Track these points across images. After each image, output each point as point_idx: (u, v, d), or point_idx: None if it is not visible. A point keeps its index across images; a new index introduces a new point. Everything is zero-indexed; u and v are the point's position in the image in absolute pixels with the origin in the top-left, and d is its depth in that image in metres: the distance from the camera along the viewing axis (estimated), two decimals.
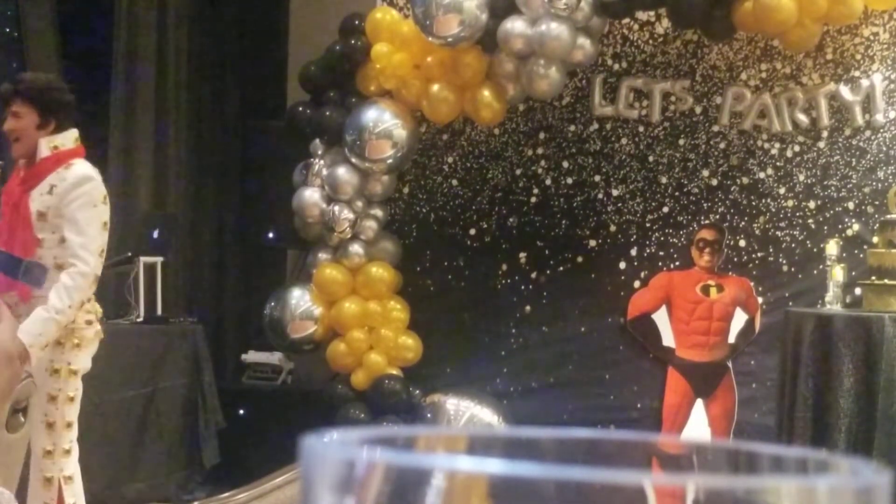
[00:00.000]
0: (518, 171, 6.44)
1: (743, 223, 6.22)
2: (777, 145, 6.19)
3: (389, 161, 5.98)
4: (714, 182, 6.27)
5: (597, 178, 6.38)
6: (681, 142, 6.30)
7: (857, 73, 6.06)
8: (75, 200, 3.76)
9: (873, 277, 4.74)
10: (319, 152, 6.23)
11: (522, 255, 6.42)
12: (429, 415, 6.01)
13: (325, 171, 6.12)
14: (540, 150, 6.43)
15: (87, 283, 3.76)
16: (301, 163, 6.32)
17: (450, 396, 6.14)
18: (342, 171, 6.04)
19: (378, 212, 6.19)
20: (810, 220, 6.13)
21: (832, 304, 5.06)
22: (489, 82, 5.94)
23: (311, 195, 6.14)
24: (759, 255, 6.20)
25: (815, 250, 5.99)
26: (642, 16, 6.22)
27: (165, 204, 6.92)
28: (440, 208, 6.50)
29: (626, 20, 6.21)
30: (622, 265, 6.32)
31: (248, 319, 7.11)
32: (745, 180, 6.22)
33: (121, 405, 5.53)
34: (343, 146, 6.02)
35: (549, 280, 6.38)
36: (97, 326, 3.97)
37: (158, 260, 5.94)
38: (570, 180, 6.39)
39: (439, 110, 6.03)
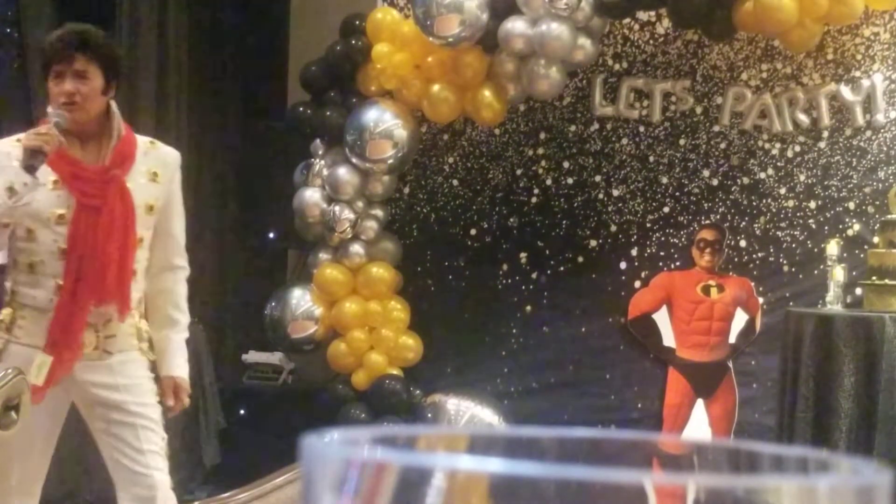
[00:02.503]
0: (519, 172, 6.44)
1: (743, 223, 6.22)
2: (778, 145, 6.19)
3: (390, 161, 5.98)
4: (715, 182, 6.27)
5: (597, 178, 6.38)
6: (681, 142, 6.30)
7: (857, 74, 6.06)
8: (179, 187, 3.19)
9: (874, 277, 4.74)
10: (320, 152, 6.23)
11: (523, 255, 6.42)
12: (429, 415, 6.01)
13: (325, 172, 6.12)
14: (540, 151, 6.43)
15: None
16: (302, 163, 6.32)
17: (450, 396, 6.14)
18: (343, 172, 6.04)
19: (379, 212, 6.19)
20: (811, 221, 6.13)
21: (833, 304, 5.06)
22: (490, 82, 5.94)
23: (311, 195, 6.14)
24: (759, 255, 6.20)
25: (815, 250, 5.99)
26: (643, 16, 6.22)
27: None
28: (441, 208, 6.50)
29: (627, 20, 6.21)
30: (623, 265, 6.32)
31: (249, 319, 7.11)
32: (746, 180, 6.22)
33: None
34: (344, 146, 6.03)
35: (549, 280, 6.38)
36: None
37: None
38: (570, 180, 6.40)
39: (440, 110, 6.03)
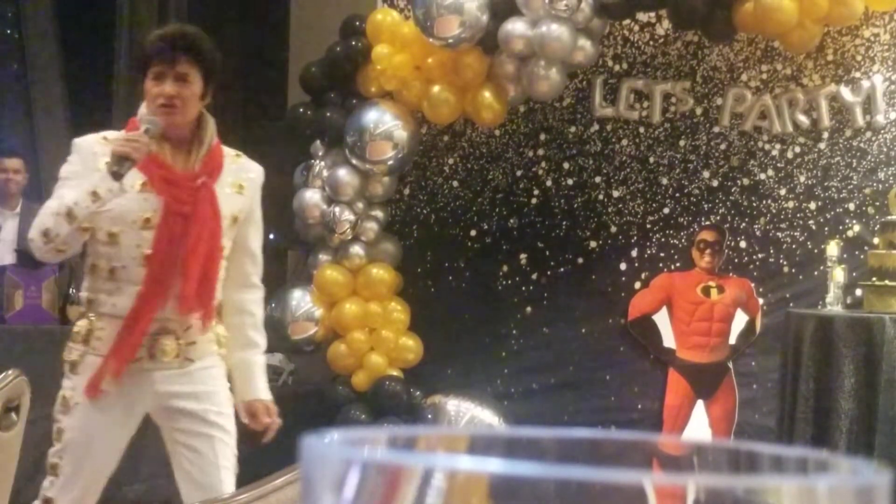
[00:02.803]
0: (519, 173, 6.44)
1: (743, 224, 6.23)
2: (778, 146, 6.19)
3: (390, 162, 5.98)
4: (715, 183, 6.27)
5: (597, 179, 6.38)
6: (681, 143, 6.30)
7: (857, 75, 6.06)
8: (259, 200, 3.08)
9: (874, 278, 4.74)
10: (320, 153, 6.23)
11: (523, 256, 6.42)
12: (429, 416, 6.01)
13: (325, 173, 6.12)
14: (540, 152, 6.43)
15: None
16: (302, 164, 6.32)
17: (450, 397, 6.14)
18: (343, 173, 6.04)
19: (379, 213, 6.19)
20: (811, 222, 6.13)
21: (833, 305, 5.06)
22: (490, 83, 5.94)
23: (311, 196, 6.14)
24: (759, 256, 6.20)
25: (815, 251, 5.99)
26: (643, 17, 6.23)
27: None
28: (441, 209, 6.50)
29: (627, 21, 6.22)
30: (623, 266, 6.32)
31: None
32: (746, 181, 6.23)
33: None
34: (344, 147, 6.02)
35: (549, 281, 6.38)
36: None
37: None
38: (570, 181, 6.40)
39: (440, 111, 6.03)
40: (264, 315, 3.13)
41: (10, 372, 2.60)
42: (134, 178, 2.83)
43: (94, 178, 2.78)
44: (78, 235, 2.84)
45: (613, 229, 6.35)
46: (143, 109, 2.90)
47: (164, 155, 2.92)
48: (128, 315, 2.84)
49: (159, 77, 2.87)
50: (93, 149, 2.89)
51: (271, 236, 7.04)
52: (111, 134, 2.92)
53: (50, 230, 2.81)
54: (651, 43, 6.30)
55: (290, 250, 6.82)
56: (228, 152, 3.03)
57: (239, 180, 3.00)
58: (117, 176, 2.73)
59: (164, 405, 2.97)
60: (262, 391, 3.07)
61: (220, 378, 3.00)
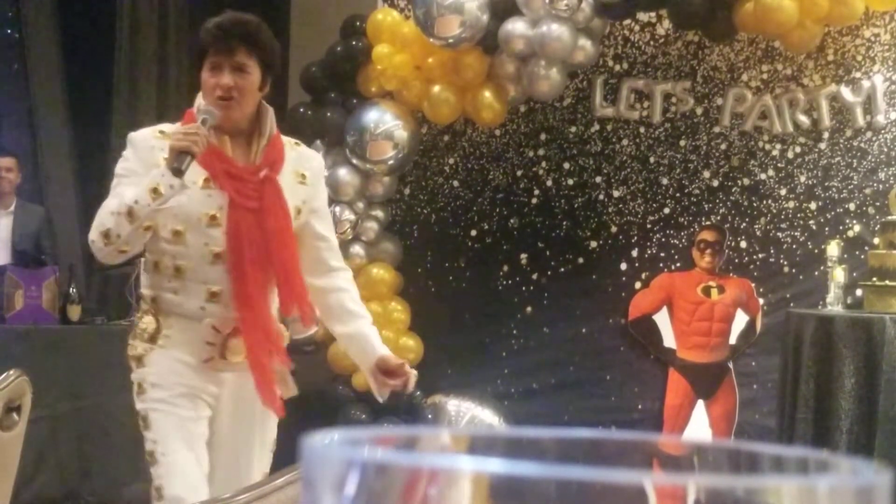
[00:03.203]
0: (519, 173, 6.44)
1: (744, 224, 6.23)
2: (778, 146, 6.19)
3: (390, 162, 5.98)
4: (715, 183, 6.27)
5: (598, 179, 6.38)
6: (682, 143, 6.30)
7: (858, 75, 6.06)
8: (324, 187, 3.02)
9: (874, 279, 4.74)
10: (321, 153, 6.22)
11: (523, 256, 6.42)
12: (430, 416, 6.01)
13: (326, 173, 6.12)
14: (541, 152, 6.43)
15: None
16: None
17: (451, 397, 6.13)
18: (343, 173, 6.04)
19: (379, 213, 6.19)
20: (811, 222, 6.13)
21: (833, 305, 5.06)
22: (490, 83, 5.94)
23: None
24: (760, 256, 6.20)
25: (816, 251, 5.99)
26: (643, 17, 6.22)
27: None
28: (441, 209, 6.50)
29: (627, 21, 6.22)
30: (623, 266, 6.32)
31: None
32: (746, 181, 6.23)
33: (122, 406, 5.51)
34: (344, 147, 6.02)
35: (550, 281, 6.38)
36: None
37: None
38: (570, 181, 6.40)
39: (440, 111, 6.03)
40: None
41: (11, 372, 2.59)
42: (196, 173, 2.72)
43: (153, 175, 2.66)
44: (140, 235, 2.73)
45: (614, 229, 6.35)
46: (199, 100, 2.81)
47: (224, 148, 2.81)
48: (244, 325, 2.76)
49: (216, 68, 2.76)
50: (149, 143, 2.77)
51: None
52: (168, 127, 2.81)
53: (111, 231, 2.71)
54: (651, 43, 6.30)
55: None
56: (287, 142, 2.92)
57: (300, 170, 2.88)
58: (178, 172, 2.62)
59: (228, 407, 2.86)
60: (383, 348, 2.93)
61: (285, 376, 2.94)
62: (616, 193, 6.36)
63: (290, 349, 6.75)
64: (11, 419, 2.58)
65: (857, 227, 6.04)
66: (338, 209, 6.04)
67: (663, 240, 6.31)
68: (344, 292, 2.92)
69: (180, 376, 2.76)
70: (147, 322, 2.81)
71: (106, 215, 2.74)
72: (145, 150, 2.76)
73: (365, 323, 2.93)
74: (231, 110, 2.76)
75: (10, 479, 2.63)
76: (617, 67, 6.33)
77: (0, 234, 6.12)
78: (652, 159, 6.33)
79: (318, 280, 2.89)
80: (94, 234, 2.75)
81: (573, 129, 6.40)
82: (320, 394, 6.16)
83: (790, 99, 6.12)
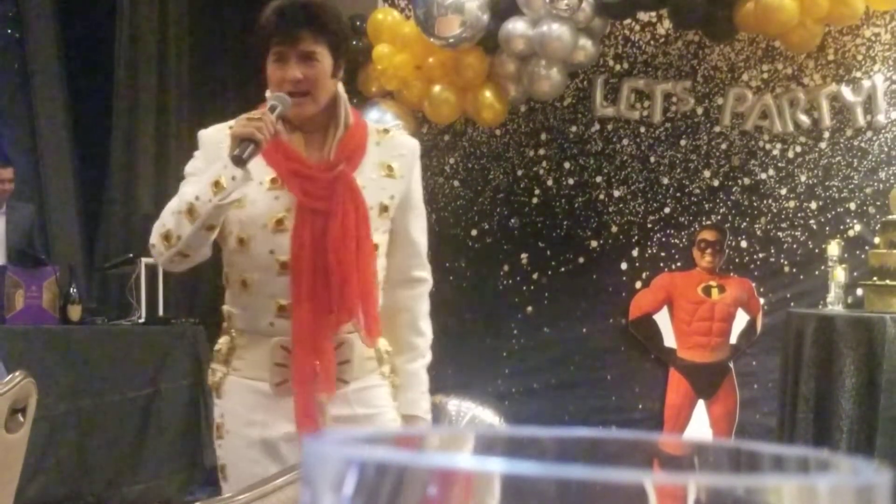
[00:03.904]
0: (519, 172, 6.45)
1: (744, 224, 6.23)
2: (778, 146, 6.19)
3: None
4: (715, 183, 6.27)
5: (598, 178, 6.38)
6: (682, 142, 6.30)
7: (858, 74, 6.06)
8: (419, 182, 2.63)
9: (875, 278, 4.74)
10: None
11: (524, 255, 6.42)
12: (430, 416, 6.01)
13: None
14: (541, 151, 6.43)
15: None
16: None
17: (451, 397, 6.13)
18: None
19: None
20: (812, 221, 6.13)
21: (834, 304, 5.06)
22: (490, 83, 5.94)
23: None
24: (760, 255, 6.20)
25: (816, 251, 5.99)
26: (644, 17, 6.23)
27: (167, 205, 6.92)
28: (442, 209, 6.50)
29: (628, 21, 6.22)
30: (623, 266, 6.32)
31: None
32: (747, 181, 6.23)
33: (122, 406, 5.53)
34: None
35: (550, 281, 6.38)
36: None
37: None
38: (571, 181, 6.40)
39: (441, 111, 6.03)
40: (428, 309, 2.64)
41: (17, 374, 2.59)
42: (262, 172, 2.44)
43: (216, 168, 2.37)
44: (202, 237, 2.41)
45: (614, 229, 6.35)
46: (269, 94, 2.48)
47: (295, 144, 2.50)
48: (294, 338, 2.43)
49: (281, 59, 2.43)
50: (217, 139, 2.49)
51: None
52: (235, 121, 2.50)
53: (171, 232, 2.44)
54: (652, 42, 6.31)
55: None
56: (374, 129, 2.57)
57: (387, 160, 2.52)
58: (239, 161, 2.31)
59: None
60: (411, 404, 2.56)
61: (382, 398, 2.53)
62: (616, 193, 6.36)
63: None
64: (17, 421, 2.57)
65: (857, 227, 6.04)
66: None
67: (664, 239, 6.31)
68: (404, 314, 2.57)
69: (253, 412, 2.47)
70: (222, 342, 2.56)
71: (167, 215, 2.47)
72: (213, 147, 2.49)
73: (409, 360, 2.57)
74: (305, 107, 2.44)
75: (14, 480, 2.63)
76: (617, 67, 6.33)
77: None
78: (652, 159, 6.33)
79: (394, 291, 2.56)
80: (154, 237, 2.49)
81: (574, 128, 6.40)
82: None
83: (791, 98, 6.12)
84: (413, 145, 2.61)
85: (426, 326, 2.60)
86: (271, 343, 2.45)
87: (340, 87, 2.52)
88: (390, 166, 2.52)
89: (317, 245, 2.41)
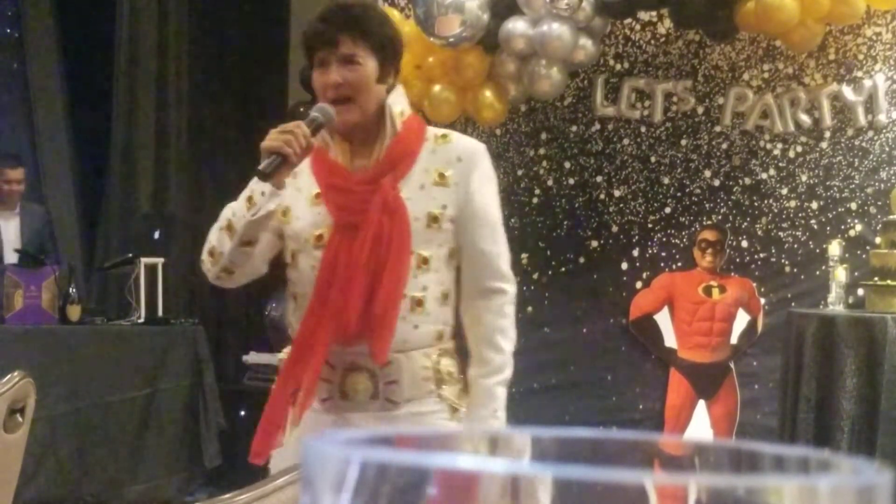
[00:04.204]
0: (520, 172, 6.44)
1: (745, 224, 6.22)
2: (779, 146, 6.19)
3: None
4: (716, 182, 6.27)
5: (598, 178, 6.38)
6: (683, 142, 6.30)
7: (859, 74, 6.06)
8: (482, 189, 2.43)
9: (876, 278, 4.74)
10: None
11: (524, 255, 6.41)
12: None
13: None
14: (542, 151, 6.43)
15: (512, 314, 2.51)
16: None
17: None
18: None
19: None
20: (813, 221, 6.13)
21: (835, 304, 5.06)
22: (490, 83, 5.94)
23: None
24: (761, 255, 6.20)
25: (817, 251, 5.99)
26: (644, 16, 6.22)
27: (166, 205, 6.93)
28: None
29: (628, 20, 6.21)
30: (624, 266, 6.32)
31: (249, 320, 7.12)
32: (748, 181, 6.23)
33: (122, 406, 5.53)
34: None
35: (550, 281, 6.38)
36: None
37: (159, 261, 5.94)
38: (571, 181, 6.40)
39: (440, 111, 6.02)
40: (509, 323, 2.54)
41: (15, 374, 2.59)
42: (311, 186, 2.39)
43: (252, 182, 2.33)
44: (242, 254, 2.37)
45: (615, 229, 6.34)
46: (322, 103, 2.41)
47: (341, 156, 2.41)
48: (294, 341, 2.41)
49: (323, 64, 2.36)
50: None
51: None
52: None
53: (215, 248, 2.40)
54: (652, 42, 6.30)
55: None
56: (431, 135, 2.44)
57: (440, 168, 2.38)
58: (261, 175, 2.24)
59: None
60: (478, 419, 2.43)
61: (438, 423, 2.41)
62: (617, 193, 6.36)
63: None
64: (15, 421, 2.57)
65: (858, 227, 6.04)
66: None
67: (664, 239, 6.31)
68: (479, 327, 2.46)
69: (300, 427, 2.41)
70: (282, 354, 2.54)
71: (213, 231, 2.42)
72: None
73: (480, 373, 2.46)
74: (347, 114, 2.34)
75: (13, 480, 2.63)
76: (618, 67, 6.32)
77: (8, 235, 6.15)
78: (653, 159, 6.33)
79: (468, 304, 2.46)
80: (203, 253, 2.46)
81: (574, 128, 6.40)
82: None
83: (791, 98, 6.12)
84: (471, 150, 2.46)
85: (504, 342, 2.49)
86: None
87: (394, 96, 2.42)
88: (443, 174, 2.39)
89: (341, 260, 2.33)
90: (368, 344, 2.32)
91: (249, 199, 2.31)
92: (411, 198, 2.35)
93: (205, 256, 2.45)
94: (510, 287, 2.50)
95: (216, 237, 2.40)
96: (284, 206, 2.37)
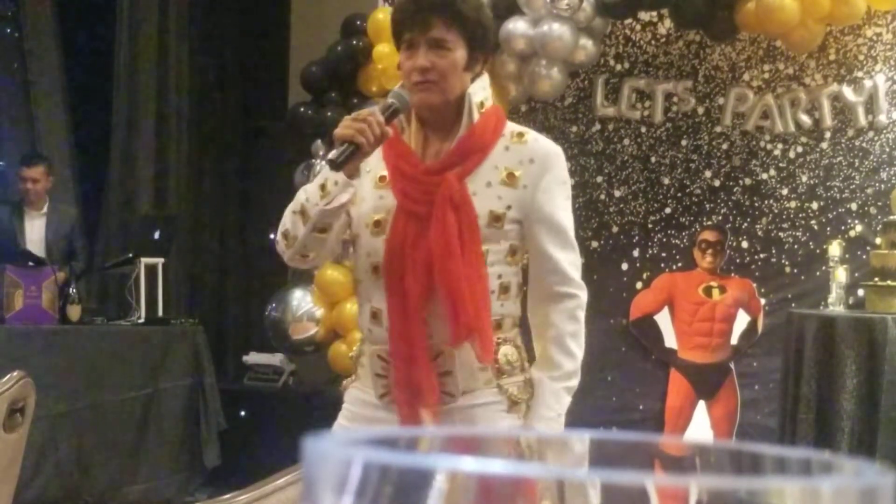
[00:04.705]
0: None
1: (745, 224, 6.22)
2: (780, 146, 6.19)
3: None
4: (716, 183, 6.27)
5: (599, 178, 6.38)
6: (683, 143, 6.30)
7: (859, 74, 6.06)
8: (552, 191, 2.39)
9: (876, 279, 4.74)
10: (321, 153, 6.23)
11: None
12: None
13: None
14: None
15: (583, 320, 2.39)
16: (302, 163, 6.32)
17: None
18: None
19: None
20: (813, 222, 6.13)
21: (835, 305, 5.06)
22: (491, 83, 5.93)
23: None
24: (761, 256, 6.20)
25: (817, 251, 5.99)
26: (644, 16, 6.22)
27: (166, 205, 6.93)
28: None
29: (629, 21, 6.22)
30: (624, 266, 6.32)
31: (250, 321, 7.12)
32: (748, 181, 6.22)
33: (122, 406, 5.53)
34: None
35: None
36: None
37: (160, 261, 5.94)
38: (572, 181, 6.39)
39: None
40: (579, 329, 2.39)
41: (15, 374, 2.59)
42: (378, 168, 2.33)
43: (325, 168, 2.26)
44: (316, 240, 2.31)
45: (615, 229, 6.34)
46: (397, 89, 2.35)
47: (415, 142, 2.35)
48: (391, 349, 2.31)
49: (412, 47, 2.29)
50: None
51: (272, 236, 7.06)
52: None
53: (288, 231, 2.34)
54: (653, 42, 6.30)
55: None
56: (510, 132, 2.37)
57: (511, 168, 2.32)
58: (332, 164, 2.18)
59: None
60: (538, 418, 2.36)
61: (497, 414, 2.34)
62: (617, 193, 6.35)
63: (292, 349, 6.68)
64: (15, 421, 2.57)
65: (858, 227, 6.04)
66: None
67: (664, 240, 6.31)
68: (550, 329, 2.36)
69: (357, 423, 2.41)
70: (356, 349, 2.48)
71: (287, 213, 2.35)
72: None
73: (548, 373, 2.38)
74: (429, 93, 2.27)
75: (13, 480, 2.63)
76: (618, 67, 6.33)
77: (34, 235, 6.14)
78: (653, 159, 6.33)
79: (536, 307, 2.39)
80: (278, 234, 2.39)
81: (574, 128, 6.40)
82: (321, 394, 6.16)
83: (792, 98, 6.12)
84: (546, 153, 2.39)
85: (576, 347, 2.38)
86: (370, 351, 2.36)
87: (478, 85, 2.37)
88: (513, 174, 2.32)
89: (412, 251, 2.27)
90: (474, 346, 2.27)
91: (323, 186, 2.24)
92: (477, 193, 2.29)
93: (279, 238, 2.38)
94: (581, 293, 2.39)
95: (290, 220, 2.32)
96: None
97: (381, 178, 2.33)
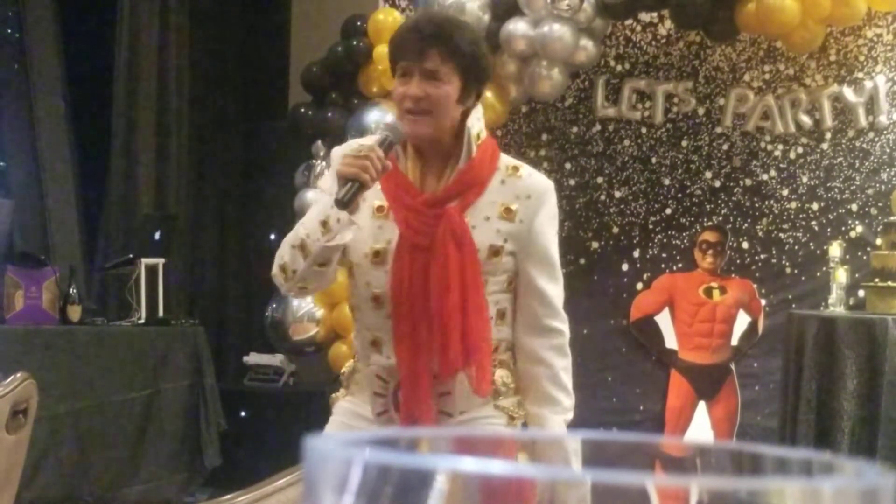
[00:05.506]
0: None
1: (746, 225, 6.22)
2: (780, 147, 6.19)
3: None
4: (717, 184, 6.27)
5: (599, 179, 6.38)
6: (683, 143, 6.30)
7: (860, 75, 6.06)
8: (546, 227, 2.45)
9: (877, 280, 4.74)
10: (321, 154, 6.23)
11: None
12: None
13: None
14: (542, 152, 6.43)
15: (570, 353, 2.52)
16: (303, 164, 6.32)
17: None
18: None
19: None
20: (813, 222, 6.13)
21: (835, 306, 5.06)
22: (491, 84, 5.93)
23: (313, 197, 6.13)
24: (762, 257, 6.20)
25: (818, 252, 5.99)
26: (645, 17, 6.23)
27: (167, 205, 6.92)
28: None
29: (629, 21, 6.22)
30: (625, 267, 6.32)
31: (250, 321, 7.11)
32: (748, 182, 6.22)
33: (122, 407, 5.53)
34: None
35: None
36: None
37: (160, 261, 5.94)
38: (572, 182, 6.40)
39: None
40: (569, 366, 2.54)
41: (18, 375, 2.59)
42: (374, 197, 2.34)
43: (325, 204, 2.28)
44: (316, 274, 2.34)
45: (615, 230, 6.34)
46: (391, 117, 2.43)
47: (411, 172, 2.38)
48: (401, 378, 2.36)
49: (406, 75, 2.33)
50: (339, 158, 2.32)
51: (272, 237, 7.05)
52: (369, 140, 2.35)
53: (287, 265, 2.36)
54: (653, 43, 6.30)
55: None
56: (505, 166, 2.41)
57: (508, 202, 2.36)
58: (340, 204, 2.19)
59: None
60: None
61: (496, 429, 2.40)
62: (618, 194, 6.35)
63: (292, 350, 6.68)
64: (18, 421, 2.57)
65: (859, 228, 6.04)
66: None
67: (665, 241, 6.31)
68: (544, 367, 2.45)
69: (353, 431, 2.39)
70: (349, 365, 2.52)
71: (285, 246, 2.38)
72: (330, 174, 2.38)
73: (552, 412, 2.48)
74: (419, 125, 2.32)
75: (16, 481, 2.63)
76: (619, 68, 6.33)
77: None
78: (654, 160, 6.33)
79: (524, 337, 2.45)
80: (274, 267, 2.41)
81: (575, 129, 6.40)
82: (321, 394, 6.16)
83: (792, 99, 6.12)
84: (542, 189, 2.43)
85: (569, 382, 2.50)
86: (369, 371, 2.41)
87: (473, 117, 2.40)
88: (509, 208, 2.37)
89: (417, 283, 2.32)
90: (470, 376, 2.33)
91: (324, 223, 2.27)
92: (476, 227, 2.34)
93: (276, 271, 2.40)
94: (566, 327, 2.49)
95: (289, 255, 2.35)
96: None
97: (379, 209, 2.37)
